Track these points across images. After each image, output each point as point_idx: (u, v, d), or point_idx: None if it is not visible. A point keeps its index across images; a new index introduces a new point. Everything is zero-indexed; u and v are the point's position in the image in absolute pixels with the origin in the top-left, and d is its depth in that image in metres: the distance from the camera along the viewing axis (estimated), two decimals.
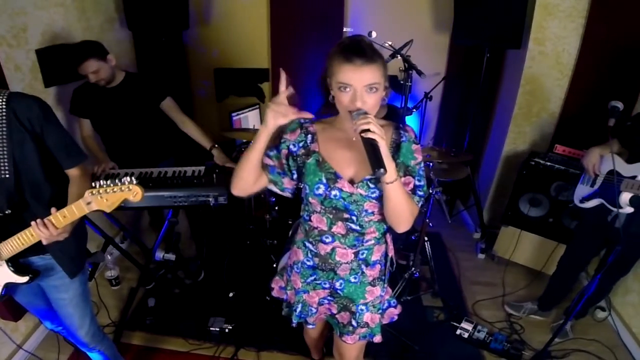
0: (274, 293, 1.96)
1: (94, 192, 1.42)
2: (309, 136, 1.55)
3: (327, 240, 1.60)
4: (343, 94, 1.35)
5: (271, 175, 1.58)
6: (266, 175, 1.57)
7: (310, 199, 1.55)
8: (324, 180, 1.49)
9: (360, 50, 1.32)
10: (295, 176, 1.59)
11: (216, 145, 2.73)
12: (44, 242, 1.52)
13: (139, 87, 2.70)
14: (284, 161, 1.58)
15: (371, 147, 1.30)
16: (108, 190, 1.41)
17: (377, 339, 1.78)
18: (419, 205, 1.52)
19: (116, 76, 2.64)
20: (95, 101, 2.63)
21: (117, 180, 1.42)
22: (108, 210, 1.46)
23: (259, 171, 1.53)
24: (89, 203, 1.44)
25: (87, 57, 2.45)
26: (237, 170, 1.51)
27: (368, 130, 1.27)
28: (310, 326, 1.83)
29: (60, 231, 1.52)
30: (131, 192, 1.42)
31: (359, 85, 1.32)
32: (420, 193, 1.52)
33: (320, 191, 1.50)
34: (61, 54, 2.69)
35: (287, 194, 1.64)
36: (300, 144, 1.55)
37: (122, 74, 2.67)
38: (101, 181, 1.43)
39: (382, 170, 1.27)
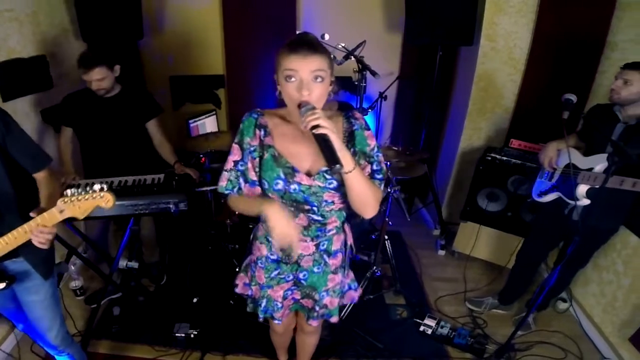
0: (238, 289, 1.88)
1: (66, 200, 1.42)
2: (262, 130, 1.48)
3: None
4: (289, 84, 1.30)
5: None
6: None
7: (269, 194, 1.49)
8: (282, 175, 1.44)
9: (306, 42, 1.30)
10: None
11: (181, 162, 2.73)
12: (46, 246, 1.49)
13: (133, 102, 2.62)
14: (251, 166, 1.51)
15: (324, 142, 1.25)
16: (80, 198, 1.42)
17: (334, 319, 1.78)
18: (382, 187, 1.49)
19: (114, 87, 2.56)
20: (86, 109, 2.54)
21: (88, 188, 1.43)
22: (81, 217, 1.46)
23: None
24: (62, 211, 1.43)
25: (97, 64, 2.38)
26: (241, 210, 1.53)
27: (318, 125, 1.23)
28: (277, 322, 1.78)
29: (52, 229, 1.49)
30: (103, 199, 1.43)
31: (304, 73, 1.27)
32: (379, 176, 1.49)
33: (280, 186, 1.45)
34: (18, 68, 2.57)
35: None
36: (261, 134, 1.49)
37: (118, 86, 2.59)
38: (73, 189, 1.42)
39: (337, 165, 1.25)
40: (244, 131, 1.47)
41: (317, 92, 1.30)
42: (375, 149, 1.48)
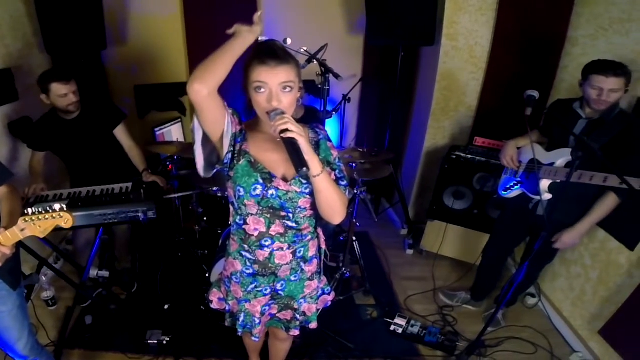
0: (214, 305, 1.82)
1: (27, 219, 1.40)
2: (243, 133, 1.44)
3: (267, 244, 1.50)
4: (259, 95, 1.28)
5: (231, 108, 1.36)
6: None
7: (245, 201, 1.42)
8: (260, 181, 1.39)
9: (274, 52, 1.26)
10: (220, 159, 1.40)
11: (149, 170, 2.68)
12: (0, 263, 1.46)
13: (97, 116, 2.57)
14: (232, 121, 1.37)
15: (292, 146, 1.23)
16: (40, 217, 1.40)
17: (313, 325, 1.76)
18: (347, 193, 1.48)
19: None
20: (57, 134, 2.48)
21: (48, 208, 1.41)
22: (41, 236, 1.45)
23: (227, 72, 1.24)
24: (22, 230, 1.41)
25: (72, 76, 2.36)
26: (208, 64, 1.21)
27: (287, 130, 1.21)
28: (255, 339, 1.72)
29: (10, 248, 1.46)
30: (62, 219, 1.42)
31: (274, 85, 1.26)
32: (343, 183, 1.49)
33: (258, 192, 1.40)
34: None
35: (201, 161, 1.36)
36: (239, 139, 1.41)
37: (79, 103, 2.51)
38: (33, 208, 1.41)
39: (304, 169, 1.22)
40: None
41: (287, 102, 1.29)
42: (337, 159, 1.50)
